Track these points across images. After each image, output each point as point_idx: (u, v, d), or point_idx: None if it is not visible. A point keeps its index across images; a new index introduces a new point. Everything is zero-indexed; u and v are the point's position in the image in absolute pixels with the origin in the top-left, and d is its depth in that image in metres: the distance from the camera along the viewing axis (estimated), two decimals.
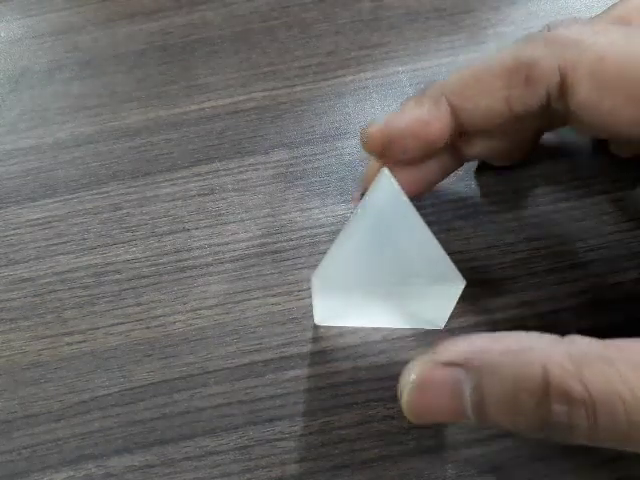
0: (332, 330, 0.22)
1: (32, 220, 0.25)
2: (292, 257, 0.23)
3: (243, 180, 0.25)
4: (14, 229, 0.25)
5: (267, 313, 0.22)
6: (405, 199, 0.19)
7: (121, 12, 0.31)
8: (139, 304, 0.23)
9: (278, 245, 0.24)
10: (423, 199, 0.24)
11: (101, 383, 0.22)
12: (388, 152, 0.21)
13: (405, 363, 0.17)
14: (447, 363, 0.16)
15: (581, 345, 0.15)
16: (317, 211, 0.24)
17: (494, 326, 0.22)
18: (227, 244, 0.24)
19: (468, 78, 0.20)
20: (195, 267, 0.24)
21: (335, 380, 0.21)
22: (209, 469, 0.20)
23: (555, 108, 0.19)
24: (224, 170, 0.26)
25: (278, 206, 0.25)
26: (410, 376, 0.16)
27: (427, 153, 0.21)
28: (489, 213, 0.24)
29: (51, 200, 0.25)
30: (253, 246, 0.24)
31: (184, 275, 0.23)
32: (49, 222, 0.25)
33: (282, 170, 0.26)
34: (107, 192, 0.26)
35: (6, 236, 0.25)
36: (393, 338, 0.22)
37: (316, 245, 0.24)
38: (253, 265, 0.23)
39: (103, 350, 0.22)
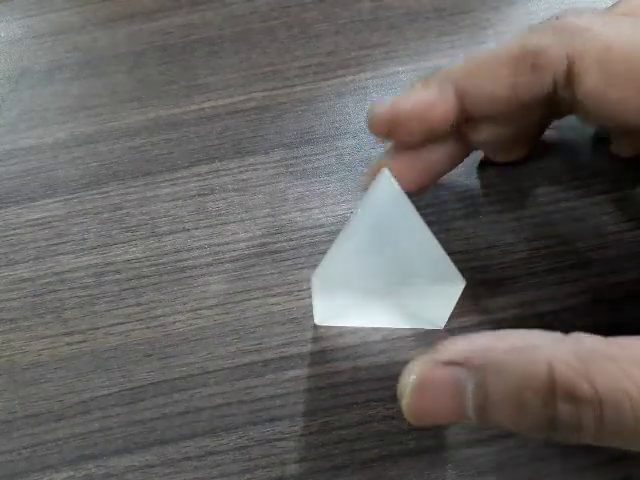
0: (332, 330, 0.22)
1: (32, 220, 0.25)
2: (292, 257, 0.23)
3: (243, 180, 0.25)
4: (14, 229, 0.25)
5: (267, 313, 0.22)
6: (405, 199, 0.19)
7: (121, 12, 0.31)
8: (139, 304, 0.23)
9: (278, 245, 0.24)
10: (423, 199, 0.24)
11: (101, 383, 0.22)
12: (393, 133, 0.21)
13: (405, 363, 0.17)
14: (448, 362, 0.16)
15: (586, 343, 0.15)
16: (317, 211, 0.24)
17: (494, 326, 0.22)
18: (227, 244, 0.24)
19: (475, 64, 0.20)
20: (195, 267, 0.24)
21: (335, 380, 0.21)
22: (209, 469, 0.20)
23: (561, 96, 0.19)
24: (224, 170, 0.26)
25: (278, 206, 0.25)
26: (410, 376, 0.16)
27: (432, 137, 0.21)
28: (489, 213, 0.24)
29: (51, 200, 0.25)
30: (253, 246, 0.24)
31: (184, 275, 0.23)
32: (49, 222, 0.25)
33: (282, 170, 0.26)
34: (107, 192, 0.26)
35: (6, 236, 0.25)
36: (393, 338, 0.22)
37: (316, 245, 0.24)
38: (253, 265, 0.23)
39: (103, 350, 0.22)
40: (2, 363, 0.22)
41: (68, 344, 0.22)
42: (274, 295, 0.23)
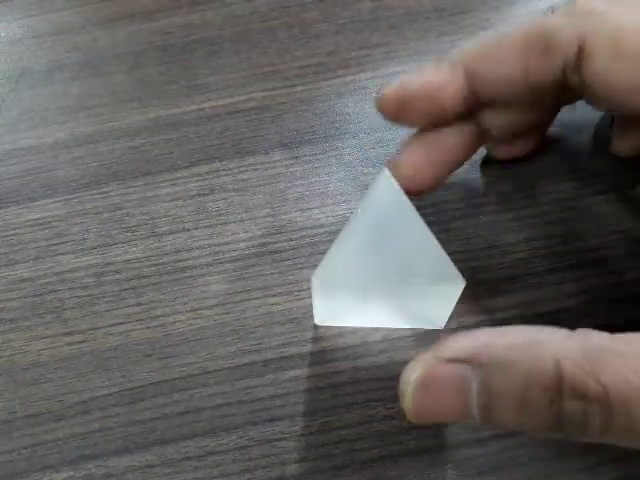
0: (332, 330, 0.22)
1: (32, 220, 0.25)
2: (292, 257, 0.23)
3: (243, 180, 0.25)
4: (14, 229, 0.25)
5: (267, 313, 0.22)
6: (405, 199, 0.19)
7: (121, 12, 0.31)
8: (139, 304, 0.23)
9: (278, 245, 0.24)
10: (423, 199, 0.24)
11: (101, 383, 0.22)
12: (402, 114, 0.20)
13: (405, 363, 0.17)
14: (452, 359, 0.15)
15: (592, 339, 0.14)
16: (317, 211, 0.24)
17: (494, 326, 0.21)
18: (227, 244, 0.24)
19: (486, 46, 0.20)
20: (195, 267, 0.24)
21: (335, 380, 0.21)
22: (209, 469, 0.20)
23: (571, 80, 0.19)
24: (224, 170, 0.26)
25: (278, 206, 0.25)
26: (412, 374, 0.16)
27: (442, 119, 0.21)
28: (489, 213, 0.24)
29: (51, 200, 0.25)
30: (253, 246, 0.24)
31: (184, 275, 0.23)
32: (49, 222, 0.25)
33: (282, 170, 0.26)
34: (107, 192, 0.26)
35: (6, 236, 0.25)
36: (393, 338, 0.22)
37: (316, 245, 0.24)
38: (253, 265, 0.23)
39: (103, 350, 0.22)
40: (2, 363, 0.22)
41: (68, 344, 0.22)
42: (274, 295, 0.23)
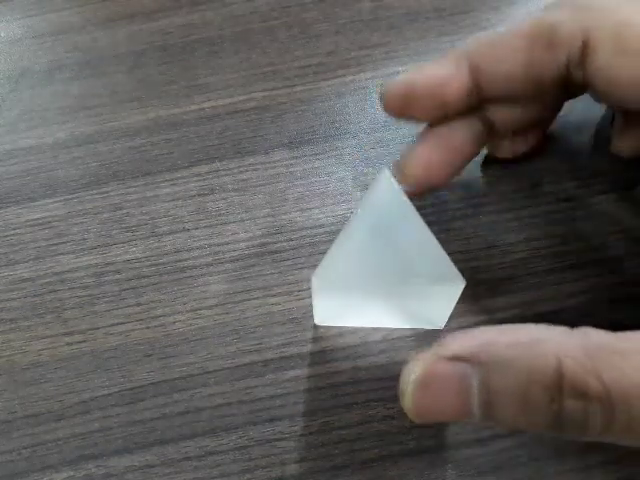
0: (332, 330, 0.22)
1: (32, 220, 0.25)
2: (292, 257, 0.23)
3: (243, 180, 0.25)
4: (14, 229, 0.25)
5: (267, 313, 0.22)
6: (405, 199, 0.19)
7: (121, 12, 0.31)
8: (139, 304, 0.23)
9: (278, 245, 0.24)
10: (423, 199, 0.24)
11: (101, 383, 0.22)
12: (407, 110, 0.21)
13: (405, 363, 0.16)
14: (452, 358, 0.15)
15: (593, 337, 0.14)
16: (317, 211, 0.24)
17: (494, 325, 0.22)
18: (227, 244, 0.24)
19: (491, 41, 0.20)
20: (195, 267, 0.24)
21: (335, 380, 0.21)
22: (209, 469, 0.20)
23: (574, 75, 0.19)
24: (224, 170, 0.26)
25: (278, 206, 0.25)
26: (412, 372, 0.16)
27: (446, 114, 0.21)
28: (489, 213, 0.24)
29: (51, 200, 0.25)
30: (253, 246, 0.24)
31: (184, 275, 0.23)
32: (49, 222, 0.25)
33: (282, 170, 0.26)
34: (107, 192, 0.26)
35: (6, 236, 0.25)
36: (393, 338, 0.22)
37: (316, 245, 0.24)
38: (253, 265, 0.23)
39: (103, 350, 0.22)
40: (2, 363, 0.22)
41: (68, 344, 0.22)
42: (274, 295, 0.23)
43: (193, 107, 0.27)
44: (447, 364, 0.15)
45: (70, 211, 0.25)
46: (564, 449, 0.20)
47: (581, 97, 0.22)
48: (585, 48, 0.18)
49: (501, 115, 0.21)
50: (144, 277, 0.23)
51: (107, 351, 0.22)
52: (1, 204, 0.26)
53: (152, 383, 0.22)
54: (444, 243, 0.18)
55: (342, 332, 0.22)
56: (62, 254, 0.24)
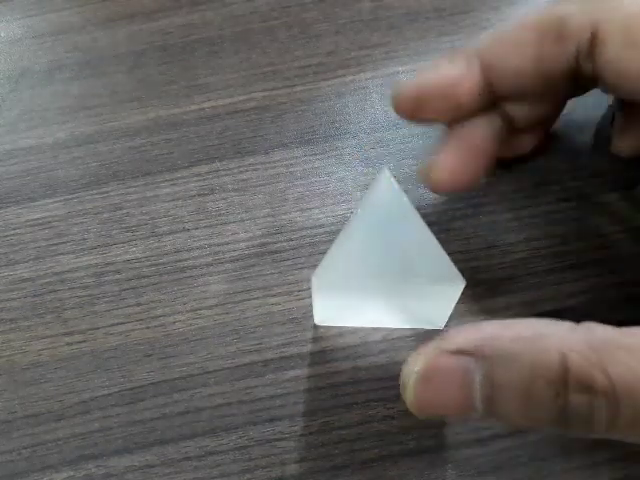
0: (332, 330, 0.22)
1: (32, 220, 0.25)
2: (292, 257, 0.23)
3: (243, 180, 0.25)
4: (14, 229, 0.25)
5: (267, 313, 0.22)
6: (405, 199, 0.19)
7: (121, 12, 0.31)
8: (139, 304, 0.23)
9: (278, 245, 0.24)
10: (423, 199, 0.24)
11: (101, 383, 0.22)
12: (419, 112, 0.20)
13: (406, 362, 0.16)
14: (456, 351, 0.15)
15: (598, 332, 0.14)
16: (317, 211, 0.24)
17: None
18: (227, 244, 0.24)
19: (500, 38, 0.19)
20: (195, 267, 0.24)
21: (335, 380, 0.21)
22: (209, 469, 0.20)
23: (584, 68, 0.19)
24: (224, 170, 0.26)
25: (278, 206, 0.25)
26: (415, 366, 0.15)
27: (459, 114, 0.20)
28: (489, 213, 0.24)
29: (51, 200, 0.25)
30: (253, 246, 0.24)
31: (184, 275, 0.23)
32: (49, 222, 0.25)
33: (282, 170, 0.26)
34: (107, 192, 0.26)
35: (6, 236, 0.25)
36: (393, 338, 0.22)
37: (316, 245, 0.24)
38: (253, 265, 0.23)
39: (103, 350, 0.22)
40: (2, 363, 0.22)
41: (68, 344, 0.22)
42: (274, 295, 0.23)
43: (193, 107, 0.27)
44: (450, 357, 0.15)
45: (70, 211, 0.25)
46: (570, 447, 0.20)
47: (581, 97, 0.22)
48: (594, 40, 0.18)
49: (517, 111, 0.21)
50: (144, 277, 0.23)
51: (107, 351, 0.22)
52: (1, 204, 0.26)
53: (152, 383, 0.22)
54: (444, 243, 0.18)
55: (342, 332, 0.22)
56: (62, 254, 0.24)
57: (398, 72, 0.28)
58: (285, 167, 0.26)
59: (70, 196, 0.26)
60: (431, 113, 0.20)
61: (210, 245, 0.24)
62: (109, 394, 0.22)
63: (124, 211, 0.25)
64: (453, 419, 0.20)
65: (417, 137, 0.26)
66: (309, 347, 0.22)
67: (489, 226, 0.23)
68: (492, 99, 0.20)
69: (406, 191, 0.20)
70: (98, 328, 0.23)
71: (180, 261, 0.24)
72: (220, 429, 0.21)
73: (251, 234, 0.24)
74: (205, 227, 0.24)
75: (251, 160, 0.26)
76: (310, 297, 0.22)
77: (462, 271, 0.18)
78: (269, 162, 0.26)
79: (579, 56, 0.18)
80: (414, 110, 0.20)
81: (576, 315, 0.21)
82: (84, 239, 0.24)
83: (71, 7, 0.31)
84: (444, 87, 0.20)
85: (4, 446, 0.21)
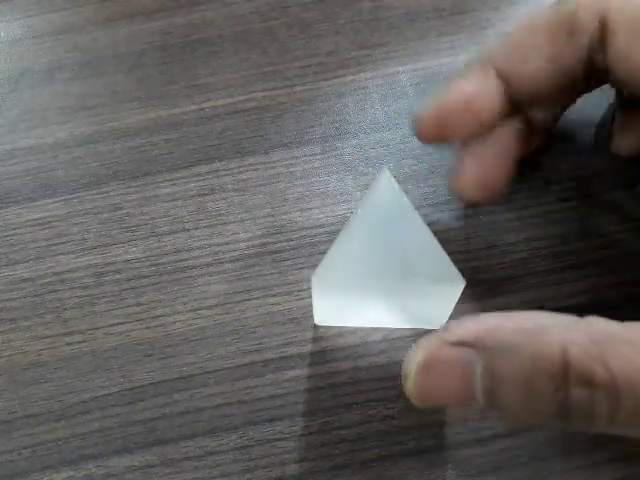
0: (332, 330, 0.22)
1: (32, 220, 0.25)
2: (292, 257, 0.23)
3: (243, 180, 0.25)
4: (14, 229, 0.25)
5: (267, 313, 0.22)
6: (405, 199, 0.19)
7: (121, 12, 0.31)
8: (139, 304, 0.23)
9: (278, 245, 0.24)
10: (424, 199, 0.24)
11: (101, 383, 0.22)
12: (442, 134, 0.20)
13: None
14: (457, 342, 0.15)
15: (601, 326, 0.14)
16: (317, 211, 0.24)
17: None
18: (227, 244, 0.24)
19: (512, 42, 0.19)
20: (195, 267, 0.24)
21: (335, 380, 0.21)
22: (209, 469, 0.20)
23: (597, 60, 0.18)
24: (224, 170, 0.26)
25: (278, 206, 0.25)
26: (417, 356, 0.15)
27: (482, 128, 0.20)
28: (489, 213, 0.24)
29: (51, 200, 0.25)
30: (253, 246, 0.24)
31: (184, 275, 0.23)
32: (49, 222, 0.25)
33: (282, 170, 0.25)
34: (107, 192, 0.26)
35: (6, 236, 0.25)
36: (393, 338, 0.22)
37: (316, 245, 0.24)
38: (253, 265, 0.23)
39: (103, 350, 0.22)
40: (2, 363, 0.22)
41: (68, 344, 0.22)
42: (274, 295, 0.23)
43: (193, 107, 0.27)
44: (451, 349, 0.15)
45: (70, 211, 0.25)
46: (570, 446, 0.20)
47: (581, 97, 0.22)
48: (604, 30, 0.18)
49: (535, 113, 0.21)
50: (144, 277, 0.23)
51: (107, 351, 0.22)
52: (1, 204, 0.26)
53: (152, 383, 0.22)
54: (444, 243, 0.18)
55: (342, 332, 0.22)
56: (62, 254, 0.24)
57: (398, 72, 0.28)
58: (285, 167, 0.26)
59: (70, 196, 0.26)
60: (455, 132, 0.20)
61: (210, 245, 0.24)
62: (109, 394, 0.22)
63: (124, 211, 0.25)
64: (454, 416, 0.20)
65: None
66: (309, 347, 0.22)
67: (489, 226, 0.23)
68: (512, 106, 0.20)
69: (406, 191, 0.20)
70: (98, 328, 0.23)
71: (180, 261, 0.24)
72: (220, 429, 0.21)
73: (251, 234, 0.24)
74: (205, 227, 0.24)
75: (251, 160, 0.26)
76: (310, 297, 0.22)
77: (462, 271, 0.18)
78: (269, 162, 0.26)
79: (591, 46, 0.18)
80: (437, 132, 0.20)
81: (576, 315, 0.21)
82: (84, 239, 0.24)
83: (71, 7, 0.31)
84: (465, 103, 0.19)
85: (4, 446, 0.21)
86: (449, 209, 0.24)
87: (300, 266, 0.23)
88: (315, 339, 0.22)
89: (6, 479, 0.20)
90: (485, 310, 0.22)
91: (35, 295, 0.23)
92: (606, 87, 0.21)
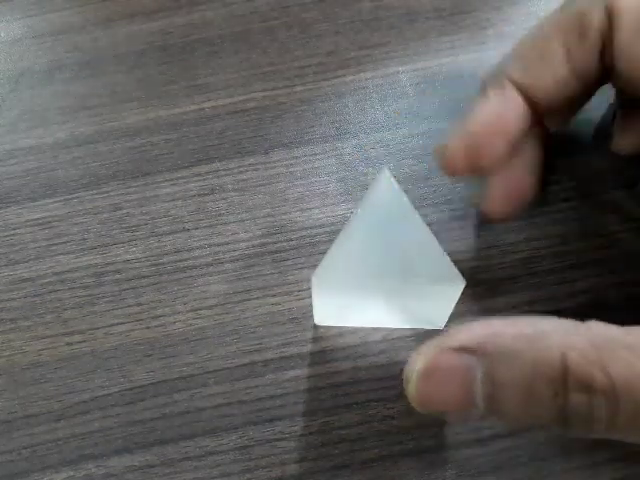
0: (332, 330, 0.22)
1: (32, 220, 0.25)
2: (292, 257, 0.23)
3: (243, 180, 0.25)
4: (14, 229, 0.25)
5: (267, 313, 0.22)
6: (405, 199, 0.19)
7: (121, 12, 0.31)
8: (139, 304, 0.23)
9: (278, 245, 0.24)
10: (424, 199, 0.24)
11: (101, 383, 0.22)
12: (473, 162, 0.19)
13: (405, 363, 0.16)
14: (457, 348, 0.15)
15: (601, 330, 0.14)
16: (317, 211, 0.24)
17: None
18: (227, 244, 0.24)
19: (525, 54, 0.19)
20: (195, 267, 0.24)
21: (335, 380, 0.21)
22: (209, 469, 0.20)
23: (606, 57, 0.18)
24: (224, 170, 0.26)
25: (278, 206, 0.25)
26: (418, 362, 0.15)
27: (513, 149, 0.20)
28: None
29: (51, 200, 0.25)
30: (253, 246, 0.24)
31: (184, 275, 0.23)
32: (49, 222, 0.25)
33: (282, 170, 0.25)
34: (107, 192, 0.26)
35: (6, 236, 0.25)
36: (393, 338, 0.22)
37: (316, 245, 0.24)
38: (253, 265, 0.23)
39: (103, 350, 0.22)
40: (2, 363, 0.22)
41: (68, 344, 0.22)
42: (274, 295, 0.23)
43: (193, 107, 0.27)
44: (452, 354, 0.15)
45: (70, 211, 0.25)
46: (570, 447, 0.20)
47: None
48: (610, 26, 0.18)
49: (554, 119, 0.21)
50: (144, 277, 0.23)
51: (107, 351, 0.22)
52: (1, 204, 0.26)
53: (152, 383, 0.22)
54: (444, 243, 0.18)
55: (342, 332, 0.22)
56: (62, 254, 0.24)
57: (398, 72, 0.28)
58: (285, 167, 0.26)
59: (70, 196, 0.26)
60: (487, 158, 0.19)
61: (210, 245, 0.24)
62: (109, 394, 0.22)
63: (124, 211, 0.25)
64: (454, 416, 0.20)
65: (417, 137, 0.26)
66: (309, 347, 0.22)
67: (489, 226, 0.23)
68: (538, 117, 0.20)
69: (406, 191, 0.20)
70: (98, 328, 0.23)
71: (180, 261, 0.24)
72: (220, 429, 0.21)
73: (251, 234, 0.24)
74: (205, 227, 0.24)
75: (251, 160, 0.26)
76: (310, 297, 0.22)
77: (462, 271, 0.18)
78: (269, 162, 0.26)
79: (603, 46, 0.18)
80: (469, 162, 0.19)
81: (576, 315, 0.21)
82: (84, 239, 0.24)
83: (71, 7, 0.31)
84: (492, 125, 0.19)
85: (4, 446, 0.21)
86: (449, 209, 0.24)
87: (300, 266, 0.23)
88: (315, 339, 0.22)
89: (6, 479, 0.20)
90: (485, 310, 0.22)
91: (35, 295, 0.23)
92: (606, 87, 0.21)
